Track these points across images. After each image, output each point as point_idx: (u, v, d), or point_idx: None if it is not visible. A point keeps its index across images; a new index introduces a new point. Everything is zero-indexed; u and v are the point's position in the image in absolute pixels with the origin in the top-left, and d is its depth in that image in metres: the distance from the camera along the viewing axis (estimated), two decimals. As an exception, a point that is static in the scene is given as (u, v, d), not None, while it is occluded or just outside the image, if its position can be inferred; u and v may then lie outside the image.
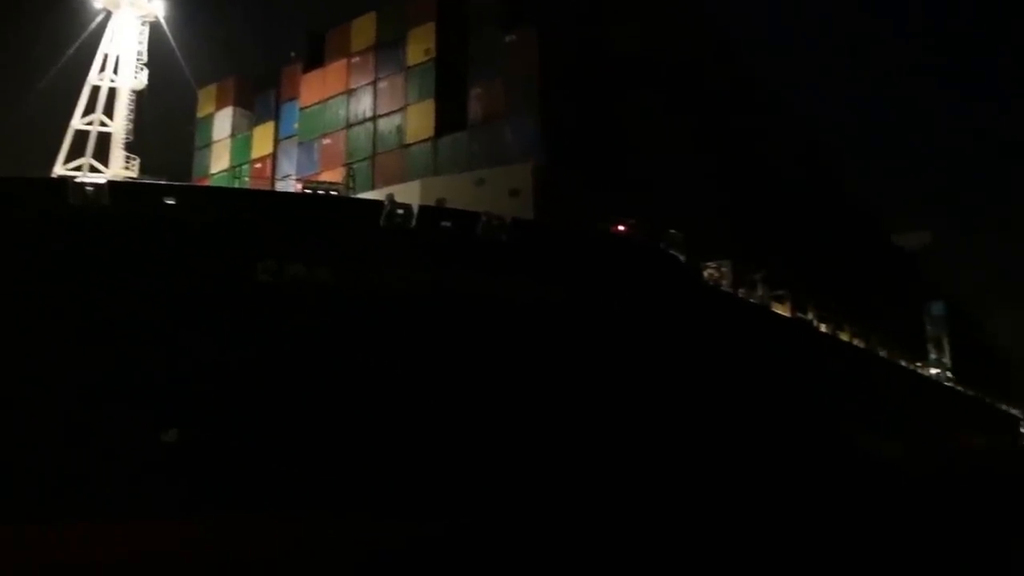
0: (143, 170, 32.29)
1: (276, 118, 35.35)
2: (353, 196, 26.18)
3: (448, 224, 22.71)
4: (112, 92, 32.72)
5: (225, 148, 36.94)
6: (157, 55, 33.43)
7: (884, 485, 48.32)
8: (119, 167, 32.22)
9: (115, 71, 32.88)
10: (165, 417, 20.77)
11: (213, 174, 36.75)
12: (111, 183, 21.55)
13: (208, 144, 37.61)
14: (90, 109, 32.53)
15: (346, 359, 21.70)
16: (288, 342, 21.45)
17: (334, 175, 30.09)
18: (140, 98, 33.55)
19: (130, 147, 32.79)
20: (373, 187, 29.31)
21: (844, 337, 50.76)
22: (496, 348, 22.84)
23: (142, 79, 33.22)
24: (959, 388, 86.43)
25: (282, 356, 21.39)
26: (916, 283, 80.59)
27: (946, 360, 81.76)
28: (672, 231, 30.11)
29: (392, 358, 21.99)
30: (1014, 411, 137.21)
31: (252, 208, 22.24)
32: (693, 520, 27.03)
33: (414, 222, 22.22)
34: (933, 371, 78.12)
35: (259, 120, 36.24)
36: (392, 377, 21.95)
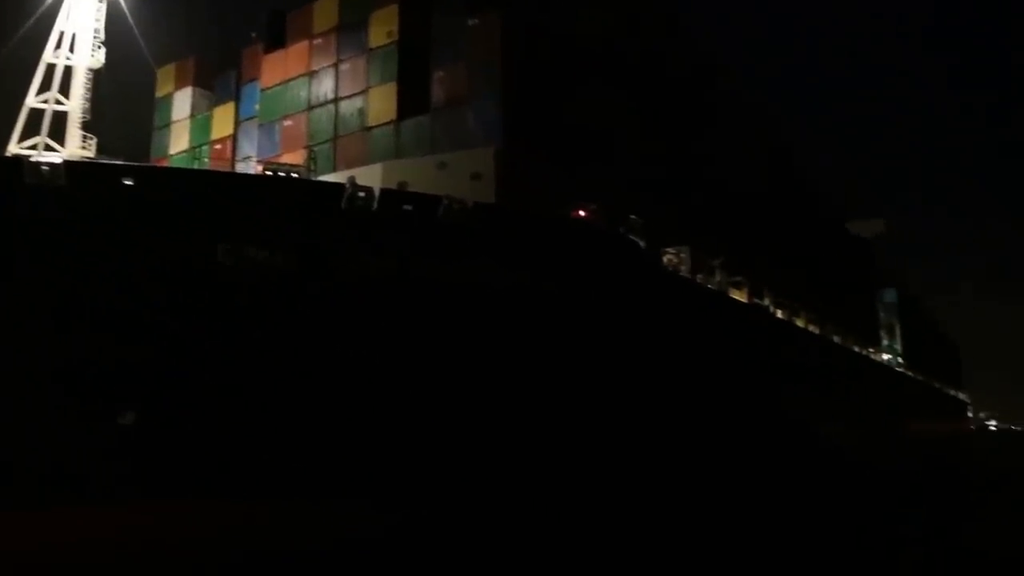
0: (100, 150, 31.78)
1: (236, 99, 35.03)
2: (314, 179, 26.19)
3: (410, 208, 22.84)
4: (68, 70, 32.12)
5: (184, 129, 36.54)
6: (115, 33, 32.85)
7: (834, 467, 49.75)
8: (75, 147, 31.69)
9: (71, 49, 32.26)
10: (122, 400, 20.70)
11: (172, 155, 36.35)
12: (67, 163, 21.30)
13: (167, 124, 37.15)
14: (45, 87, 31.90)
15: (306, 343, 21.77)
16: (248, 325, 21.46)
17: (295, 157, 29.97)
18: (97, 77, 32.97)
19: (87, 126, 32.24)
20: (335, 170, 29.25)
21: (799, 323, 51.98)
22: (457, 332, 23.10)
23: (99, 57, 32.64)
24: (909, 373, 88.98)
25: (241, 339, 21.40)
26: (870, 270, 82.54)
27: (897, 346, 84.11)
28: (632, 217, 30.62)
29: (352, 342, 22.11)
30: (962, 396, 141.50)
31: (212, 190, 22.13)
32: (658, 499, 27.74)
33: (375, 205, 22.29)
34: (885, 357, 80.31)
35: (219, 101, 35.87)
36: (352, 361, 22.08)
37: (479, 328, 23.28)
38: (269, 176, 24.14)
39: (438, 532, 21.56)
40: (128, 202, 20.61)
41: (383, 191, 23.02)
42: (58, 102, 31.91)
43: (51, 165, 20.40)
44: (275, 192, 22.71)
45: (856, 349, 67.80)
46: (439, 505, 22.17)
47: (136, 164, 24.04)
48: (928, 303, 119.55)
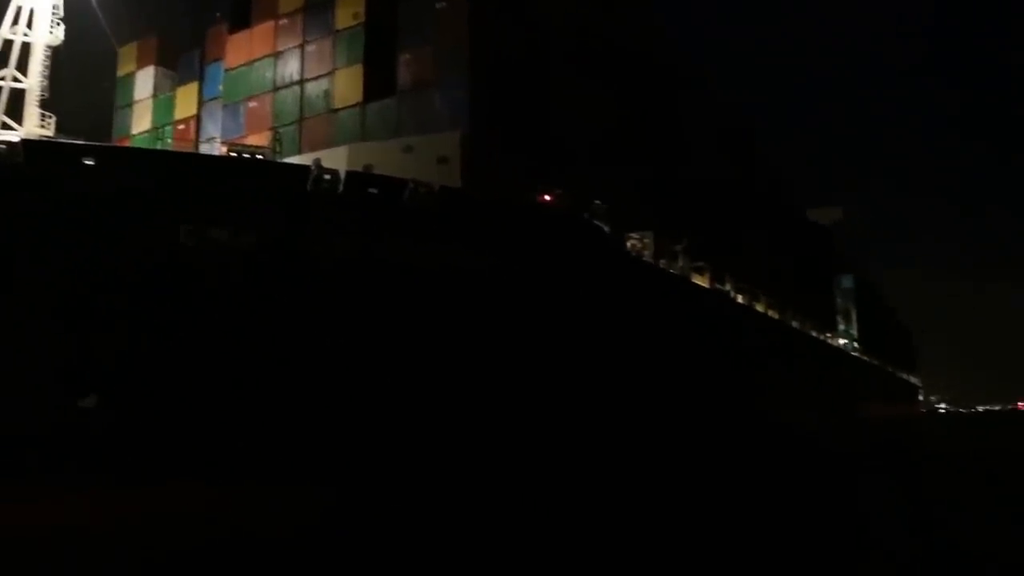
0: (59, 129, 31.23)
1: (200, 79, 34.63)
2: (279, 160, 26.13)
3: (375, 191, 22.96)
4: (26, 47, 31.45)
5: (147, 108, 36.04)
6: (74, 10, 32.18)
7: (791, 447, 51.02)
8: (34, 125, 31.04)
9: (29, 25, 31.57)
10: (83, 383, 20.58)
11: (134, 135, 35.86)
12: (25, 141, 21.05)
13: (129, 104, 36.59)
14: (2, 64, 31.16)
15: (269, 325, 21.81)
16: (211, 307, 21.44)
17: (260, 139, 29.84)
18: (56, 54, 32.32)
19: (45, 105, 31.57)
20: (300, 152, 29.18)
21: (760, 308, 53.06)
22: (422, 314, 23.32)
23: (58, 34, 31.95)
24: (864, 358, 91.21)
25: (204, 321, 21.38)
26: (828, 257, 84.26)
27: (853, 331, 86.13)
28: (597, 202, 31.05)
29: (316, 324, 22.20)
30: (914, 380, 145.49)
31: (175, 171, 22.01)
32: (615, 481, 28.32)
33: (341, 188, 22.38)
34: (841, 341, 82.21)
35: (182, 81, 35.43)
36: (316, 343, 22.17)
37: (444, 310, 23.53)
38: (233, 158, 24.12)
39: (402, 515, 21.76)
40: (89, 182, 20.42)
41: (349, 174, 23.08)
42: (15, 79, 31.26)
43: (8, 144, 20.15)
44: (239, 174, 22.66)
45: (814, 334, 69.32)
46: (405, 488, 22.38)
47: (97, 144, 23.78)
48: (883, 289, 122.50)
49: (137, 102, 36.44)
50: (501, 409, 24.52)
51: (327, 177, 22.28)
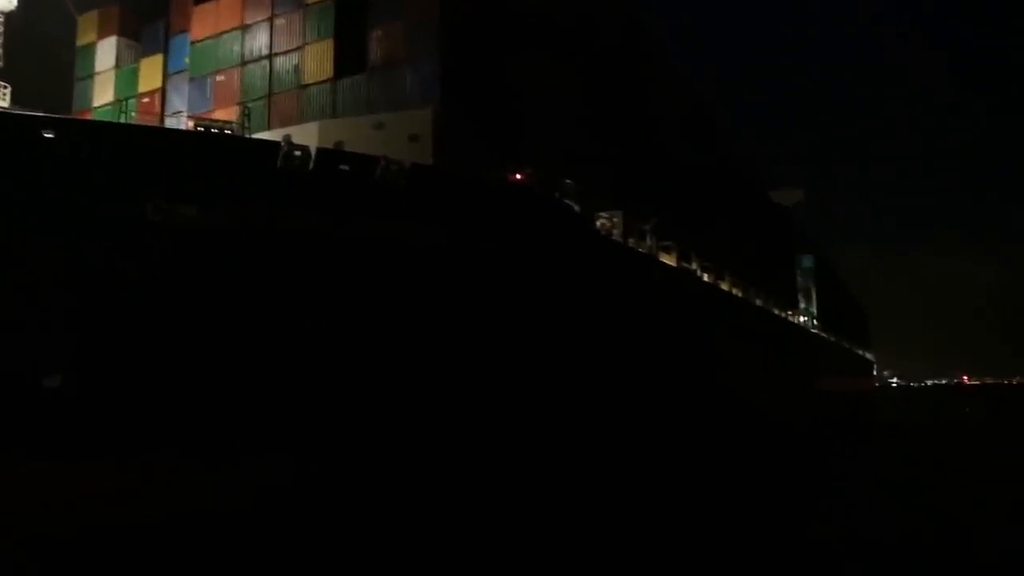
0: (15, 100, 30.38)
1: (165, 51, 33.81)
2: (248, 136, 25.82)
3: (347, 168, 22.87)
4: (-23, 12, 30.43)
5: (109, 80, 35.07)
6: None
7: (754, 422, 52.25)
8: (-13, 96, 30.21)
9: (-21, -12, 30.52)
10: (48, 361, 20.31)
11: (97, 107, 34.96)
12: None
13: (90, 75, 35.56)
14: (-47, 31, 30.20)
15: (238, 301, 21.71)
16: (178, 284, 21.25)
17: (228, 113, 29.33)
18: (9, 20, 31.33)
19: (0, 74, 30.74)
20: (269, 127, 28.82)
21: (724, 286, 53.92)
22: (393, 291, 23.41)
23: (11, -1, 30.99)
24: (823, 335, 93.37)
25: (170, 297, 21.19)
26: (790, 237, 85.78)
27: (813, 309, 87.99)
28: (567, 181, 31.26)
29: (287, 300, 22.15)
30: (869, 356, 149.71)
31: (140, 145, 21.64)
32: (583, 458, 28.84)
33: (312, 165, 22.26)
34: (802, 319, 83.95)
35: (146, 52, 34.52)
36: (288, 319, 22.14)
37: (415, 287, 23.64)
38: (200, 132, 23.78)
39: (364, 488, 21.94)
40: (48, 156, 19.98)
41: (320, 150, 22.95)
42: (-33, 47, 30.27)
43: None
44: (207, 149, 22.37)
45: (776, 312, 70.69)
46: (373, 463, 22.58)
47: (57, 116, 23.24)
48: (839, 267, 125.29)
49: (98, 73, 35.43)
50: (472, 384, 24.78)
51: (297, 154, 22.13)
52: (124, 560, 16.80)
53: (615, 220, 35.39)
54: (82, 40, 36.20)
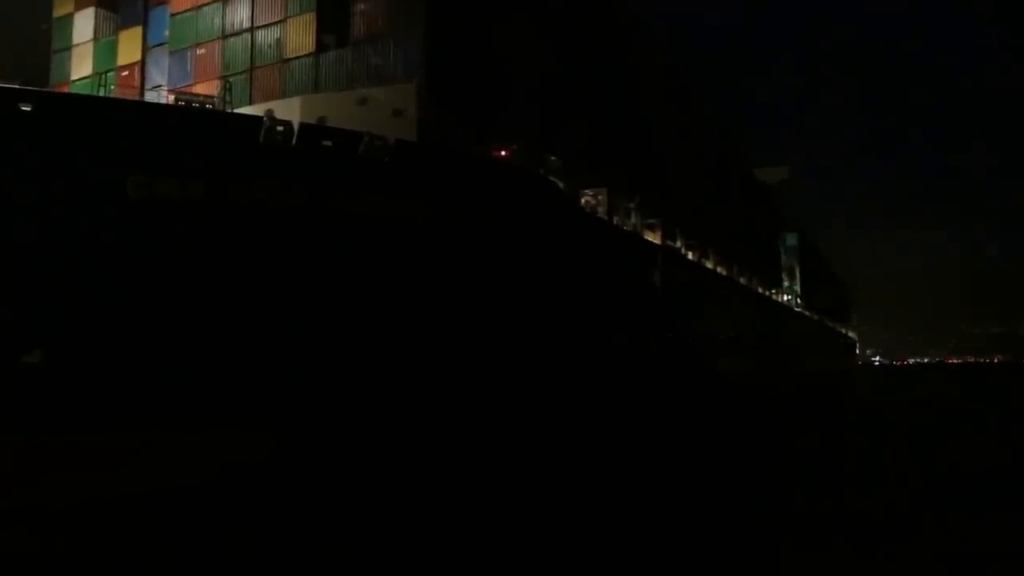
0: (-11, 72, 29.83)
1: (145, 23, 33.20)
2: (230, 111, 25.50)
3: (330, 143, 22.68)
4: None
5: (87, 53, 34.39)
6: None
7: (737, 399, 52.73)
8: (-38, 68, 29.65)
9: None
10: (27, 338, 20.13)
11: (74, 80, 34.37)
12: None
13: (67, 48, 34.87)
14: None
15: (217, 276, 21.56)
16: (159, 259, 21.07)
17: (209, 88, 28.99)
18: (-16, -9, 30.76)
19: (-28, 46, 30.18)
20: (251, 102, 28.48)
21: (709, 264, 54.19)
22: (376, 267, 23.33)
23: (-16, -33, 30.39)
24: (807, 313, 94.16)
25: (151, 273, 21.02)
26: (774, 216, 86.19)
27: (797, 288, 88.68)
28: (552, 158, 31.18)
29: (269, 276, 22.04)
30: (851, 334, 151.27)
31: (120, 119, 21.34)
32: (562, 440, 28.98)
33: (295, 140, 22.06)
34: (785, 297, 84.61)
35: (125, 24, 33.82)
36: (265, 295, 22.02)
37: (399, 263, 23.58)
38: (181, 107, 23.48)
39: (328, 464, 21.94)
40: (26, 130, 19.67)
41: (303, 126, 22.72)
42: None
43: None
44: (189, 124, 22.10)
45: (760, 290, 71.17)
46: (356, 441, 22.59)
47: (34, 88, 22.85)
48: (822, 245, 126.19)
49: (76, 46, 34.71)
50: (454, 359, 24.80)
51: (280, 129, 21.89)
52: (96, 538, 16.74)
53: (600, 198, 35.41)
54: (59, 11, 35.45)
